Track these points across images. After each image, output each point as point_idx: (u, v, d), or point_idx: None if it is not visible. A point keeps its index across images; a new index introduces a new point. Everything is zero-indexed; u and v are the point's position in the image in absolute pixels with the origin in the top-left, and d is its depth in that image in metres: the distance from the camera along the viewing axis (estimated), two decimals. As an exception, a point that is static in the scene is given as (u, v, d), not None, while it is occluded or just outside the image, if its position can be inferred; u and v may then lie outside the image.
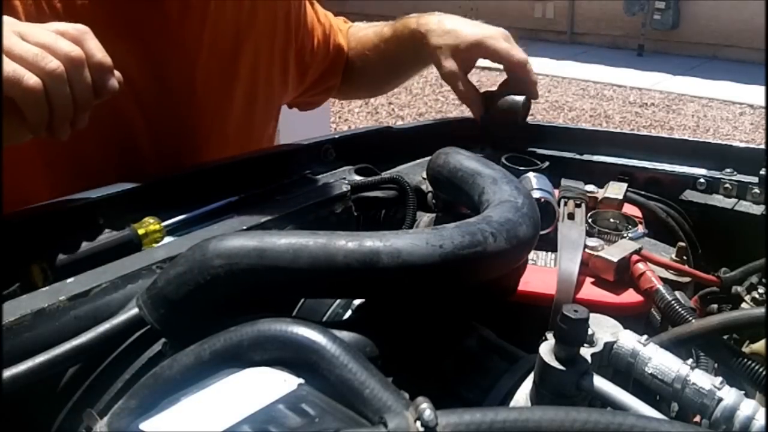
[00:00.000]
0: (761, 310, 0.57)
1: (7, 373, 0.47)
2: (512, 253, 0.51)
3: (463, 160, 0.65)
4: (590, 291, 0.68)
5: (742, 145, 0.97)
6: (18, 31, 0.62)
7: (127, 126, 0.87)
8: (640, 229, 0.78)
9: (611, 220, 0.81)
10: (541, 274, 0.69)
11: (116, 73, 0.66)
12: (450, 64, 0.98)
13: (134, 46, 0.85)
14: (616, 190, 0.84)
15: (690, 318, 0.61)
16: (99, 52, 0.64)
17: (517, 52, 0.96)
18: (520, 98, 0.95)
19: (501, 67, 0.97)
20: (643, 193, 0.91)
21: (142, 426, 0.37)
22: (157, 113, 0.88)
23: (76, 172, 0.82)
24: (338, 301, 0.57)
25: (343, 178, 0.82)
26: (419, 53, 1.03)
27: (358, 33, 1.16)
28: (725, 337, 0.61)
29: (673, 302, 0.63)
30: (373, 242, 0.45)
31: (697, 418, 0.52)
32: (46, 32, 0.63)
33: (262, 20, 0.99)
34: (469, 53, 0.97)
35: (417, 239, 0.46)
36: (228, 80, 0.95)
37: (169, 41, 0.87)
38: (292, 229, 0.72)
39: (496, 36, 0.97)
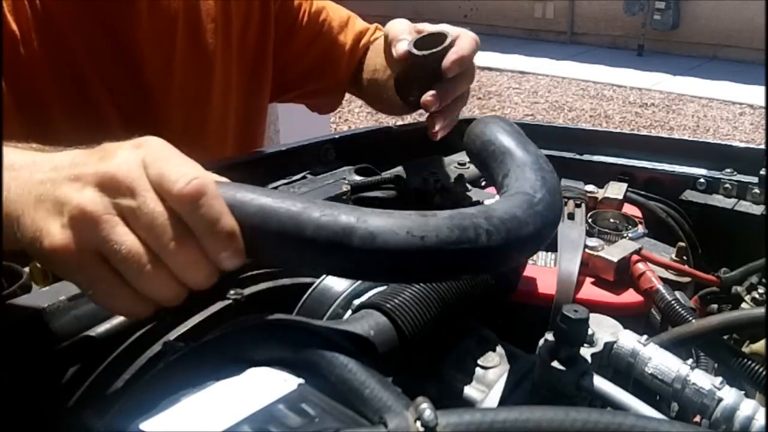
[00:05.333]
0: (761, 310, 0.57)
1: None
2: (509, 253, 0.47)
3: (499, 133, 0.61)
4: (590, 291, 0.68)
5: (742, 145, 0.97)
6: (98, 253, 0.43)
7: (102, 121, 0.87)
8: (640, 229, 0.78)
9: (611, 220, 0.81)
10: (541, 274, 0.69)
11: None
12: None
13: (108, 42, 0.85)
14: (616, 190, 0.84)
15: (690, 318, 0.61)
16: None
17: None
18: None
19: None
20: (643, 193, 0.91)
21: (142, 426, 0.37)
22: (132, 109, 0.89)
23: None
24: (338, 301, 0.57)
25: (343, 178, 0.82)
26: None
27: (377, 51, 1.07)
28: (725, 337, 0.61)
29: (673, 302, 0.63)
30: (348, 219, 0.42)
31: (697, 418, 0.52)
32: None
33: (237, 16, 0.99)
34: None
35: (398, 225, 0.42)
36: (206, 76, 0.96)
37: (142, 37, 0.87)
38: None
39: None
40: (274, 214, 0.43)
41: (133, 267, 0.42)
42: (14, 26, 0.78)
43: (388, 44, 0.80)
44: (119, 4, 0.84)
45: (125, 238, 0.42)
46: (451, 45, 0.70)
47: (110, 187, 0.43)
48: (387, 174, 0.83)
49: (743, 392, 0.47)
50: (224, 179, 0.47)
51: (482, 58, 7.49)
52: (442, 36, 0.72)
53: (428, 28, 0.80)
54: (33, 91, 0.82)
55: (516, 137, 0.61)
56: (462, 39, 0.75)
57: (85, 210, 0.42)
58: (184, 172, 0.43)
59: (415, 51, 0.69)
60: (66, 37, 0.82)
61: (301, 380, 0.40)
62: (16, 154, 0.47)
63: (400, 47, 0.75)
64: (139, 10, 0.86)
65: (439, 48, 0.68)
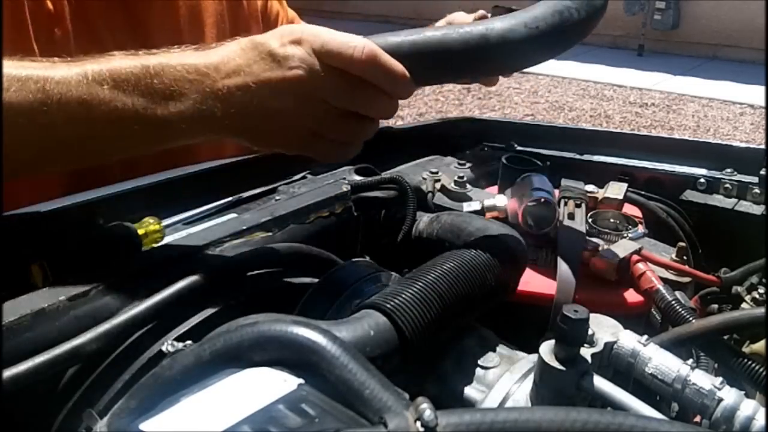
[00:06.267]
0: (761, 310, 0.57)
1: (7, 373, 0.47)
2: (592, 22, 0.62)
3: None
4: (590, 291, 0.68)
5: (742, 145, 0.97)
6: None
7: None
8: (640, 229, 0.78)
9: (611, 220, 0.81)
10: (541, 274, 0.69)
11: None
12: None
13: (130, 28, 0.86)
14: (616, 190, 0.84)
15: (690, 318, 0.61)
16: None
17: None
18: None
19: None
20: (643, 193, 0.91)
21: (142, 426, 0.36)
22: None
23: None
24: (339, 300, 0.57)
25: (343, 178, 0.82)
26: None
27: None
28: (725, 337, 0.61)
29: (673, 302, 0.63)
30: (479, 29, 0.58)
31: (698, 418, 0.52)
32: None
33: (242, 19, 1.02)
34: None
35: (516, 23, 0.58)
36: None
37: (179, 42, 0.88)
38: (293, 229, 0.72)
39: None
40: (424, 45, 0.58)
41: (351, 136, 0.57)
42: (50, 5, 0.79)
43: None
44: (160, 9, 0.87)
45: (342, 125, 0.56)
46: None
47: (305, 90, 0.53)
48: (387, 174, 0.83)
49: (743, 392, 0.47)
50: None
51: (482, 58, 7.49)
52: None
53: None
54: None
55: None
56: None
57: (304, 123, 0.54)
58: (352, 44, 0.53)
59: None
60: (95, 22, 0.83)
61: (301, 380, 0.39)
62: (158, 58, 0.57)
63: None
64: (179, 13, 0.89)
65: None
